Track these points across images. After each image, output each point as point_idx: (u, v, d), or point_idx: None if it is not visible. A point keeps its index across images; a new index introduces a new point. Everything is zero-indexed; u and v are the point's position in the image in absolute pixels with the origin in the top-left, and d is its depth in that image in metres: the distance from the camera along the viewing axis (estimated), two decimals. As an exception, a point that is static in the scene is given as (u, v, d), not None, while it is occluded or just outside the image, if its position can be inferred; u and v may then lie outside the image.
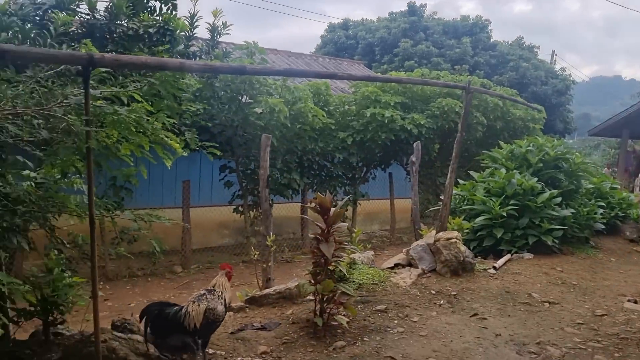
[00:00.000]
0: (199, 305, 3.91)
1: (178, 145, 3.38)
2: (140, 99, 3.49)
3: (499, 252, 6.92)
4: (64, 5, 8.10)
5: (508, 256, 6.57)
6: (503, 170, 7.38)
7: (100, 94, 2.88)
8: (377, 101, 11.51)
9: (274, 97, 9.60)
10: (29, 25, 7.45)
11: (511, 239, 6.86)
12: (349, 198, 11.88)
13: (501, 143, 8.27)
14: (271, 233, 6.09)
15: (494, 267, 5.89)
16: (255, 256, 5.63)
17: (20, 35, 7.26)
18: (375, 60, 25.30)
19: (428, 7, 27.52)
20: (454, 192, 7.64)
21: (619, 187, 9.38)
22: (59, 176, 3.96)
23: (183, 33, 10.53)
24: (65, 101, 2.87)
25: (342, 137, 11.25)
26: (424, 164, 13.89)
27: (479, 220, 6.85)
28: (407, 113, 11.91)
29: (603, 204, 8.44)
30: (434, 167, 13.62)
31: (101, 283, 9.03)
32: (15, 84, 3.85)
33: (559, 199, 7.08)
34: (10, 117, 3.19)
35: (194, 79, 9.33)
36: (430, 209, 8.07)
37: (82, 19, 8.56)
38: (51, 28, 7.49)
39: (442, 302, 4.82)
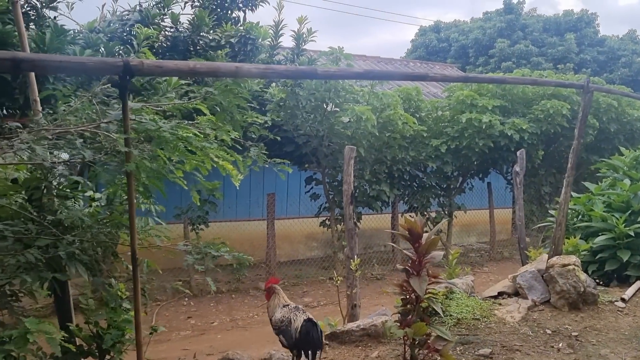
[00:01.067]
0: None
1: (231, 166, 2.87)
2: (206, 112, 3.04)
3: (624, 279, 5.89)
4: (149, 19, 7.99)
5: (638, 284, 5.54)
6: (627, 181, 6.32)
7: (141, 108, 2.42)
8: (473, 105, 10.62)
9: (361, 105, 9.02)
10: (114, 41, 7.42)
11: (637, 264, 5.81)
12: (443, 218, 11.08)
13: (622, 149, 7.17)
14: (356, 255, 5.48)
15: (622, 299, 4.93)
16: (339, 282, 5.04)
17: (104, 51, 7.22)
18: (469, 63, 24.08)
19: (526, 4, 25.89)
20: (570, 207, 6.68)
21: None
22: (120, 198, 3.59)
23: (267, 41, 10.25)
24: (106, 118, 2.43)
25: (435, 145, 10.46)
26: (526, 172, 12.74)
27: (600, 240, 5.86)
28: (507, 117, 10.90)
29: None
30: (537, 176, 12.43)
31: (185, 299, 8.85)
32: (70, 99, 3.52)
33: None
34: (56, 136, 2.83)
35: (277, 88, 8.95)
36: (537, 225, 7.13)
37: (166, 33, 8.45)
38: (135, 43, 7.42)
39: (560, 345, 3.99)
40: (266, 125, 9.43)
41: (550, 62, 21.58)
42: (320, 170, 9.79)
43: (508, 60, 22.13)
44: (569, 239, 5.71)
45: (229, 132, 2.85)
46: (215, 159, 2.69)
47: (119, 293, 3.50)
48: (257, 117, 3.59)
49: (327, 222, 10.26)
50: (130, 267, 3.60)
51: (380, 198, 10.11)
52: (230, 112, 2.68)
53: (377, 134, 8.97)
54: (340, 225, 10.23)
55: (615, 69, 21.58)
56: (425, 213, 11.24)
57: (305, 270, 11.14)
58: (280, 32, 10.35)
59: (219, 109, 2.88)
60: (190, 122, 3.00)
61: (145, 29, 7.00)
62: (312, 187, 10.27)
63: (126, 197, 3.38)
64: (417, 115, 10.95)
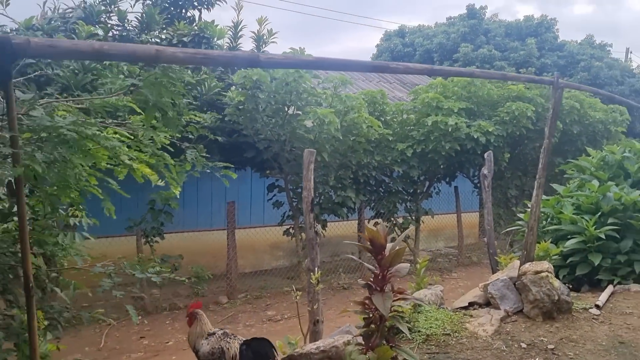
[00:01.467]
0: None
1: (149, 170, 2.49)
2: (136, 108, 2.66)
3: (596, 283, 5.70)
4: (93, 17, 7.54)
5: (610, 288, 5.34)
6: (595, 182, 6.15)
7: (34, 99, 2.02)
8: (438, 108, 10.42)
9: (324, 108, 8.71)
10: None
11: (611, 266, 5.61)
12: (410, 224, 10.85)
13: (589, 149, 7.02)
14: (317, 267, 5.13)
15: (597, 306, 4.70)
16: (298, 298, 4.69)
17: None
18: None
19: (488, 11, 26.06)
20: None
21: None
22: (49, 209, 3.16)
23: (226, 43, 9.89)
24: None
25: (401, 149, 10.21)
26: (493, 176, 12.63)
27: (570, 243, 5.65)
28: (473, 120, 10.74)
29: None
30: (504, 179, 12.32)
31: (139, 317, 8.34)
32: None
33: (670, 216, 5.82)
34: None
35: (236, 91, 8.58)
36: (505, 230, 6.91)
37: (114, 31, 8.01)
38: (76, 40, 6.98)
39: None
40: (205, 124, 9.10)
41: (513, 66, 21.69)
42: (282, 177, 9.45)
43: (472, 65, 22.17)
44: (539, 242, 5.48)
45: (163, 131, 2.47)
46: (128, 162, 2.30)
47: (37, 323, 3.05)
48: (195, 115, 3.22)
49: (290, 230, 9.90)
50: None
51: (346, 204, 9.80)
52: (161, 109, 2.32)
53: (341, 137, 8.66)
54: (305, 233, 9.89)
55: (575, 73, 21.85)
56: (392, 219, 10.99)
57: (270, 280, 10.73)
58: (240, 34, 10.01)
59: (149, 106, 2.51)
60: (121, 121, 2.63)
61: (89, 26, 6.55)
62: (274, 195, 9.91)
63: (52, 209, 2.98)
64: (383, 119, 10.71)
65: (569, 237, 5.86)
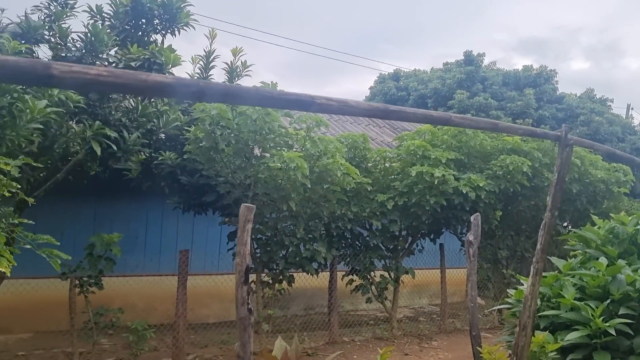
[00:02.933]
0: None
1: None
2: None
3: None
4: (29, 34, 6.59)
5: (620, 401, 4.23)
6: (603, 260, 5.07)
7: None
8: (425, 157, 9.43)
9: (294, 151, 7.70)
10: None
11: (620, 369, 4.50)
12: (389, 283, 9.74)
13: (595, 218, 5.97)
14: (251, 354, 4.00)
15: None
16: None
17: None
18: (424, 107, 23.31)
19: (486, 58, 25.48)
20: (525, 286, 5.37)
21: None
22: None
23: (196, 74, 8.94)
24: None
25: (381, 201, 9.17)
26: (483, 234, 11.57)
27: (572, 336, 4.53)
28: (463, 172, 9.75)
29: None
30: (494, 238, 11.26)
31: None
32: None
33: (694, 307, 4.75)
34: None
35: (196, 127, 7.56)
36: (493, 308, 5.77)
37: (58, 51, 7.04)
38: (3, 59, 6.00)
39: None
40: (186, 168, 8.07)
41: (509, 116, 20.94)
42: (244, 225, 8.33)
43: (467, 112, 21.41)
44: (535, 337, 4.36)
45: None
46: None
47: None
48: None
49: (252, 285, 8.73)
50: None
51: (315, 259, 8.68)
52: None
53: (310, 185, 7.61)
54: (269, 289, 8.76)
55: (574, 127, 21.06)
56: (369, 276, 9.86)
57: (233, 335, 9.54)
58: (212, 64, 9.07)
59: None
60: None
61: (14, 42, 5.56)
62: (235, 244, 8.77)
63: None
64: (364, 166, 9.72)
65: (569, 326, 4.76)
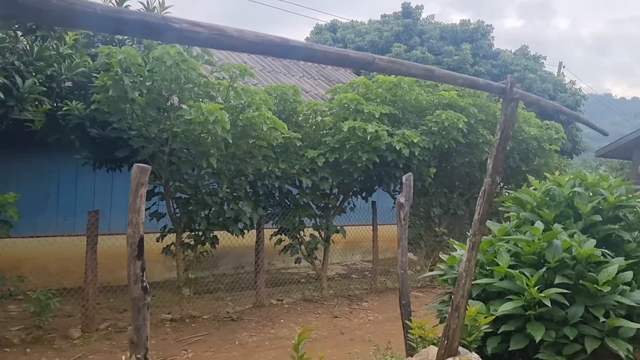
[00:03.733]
0: None
1: None
2: None
3: (535, 362, 4.31)
4: None
5: (553, 376, 3.96)
6: (539, 224, 4.75)
7: None
8: (358, 112, 8.93)
9: (217, 102, 7.00)
10: None
11: (556, 340, 4.23)
12: (319, 242, 9.31)
13: (531, 179, 5.66)
14: (147, 338, 3.43)
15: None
16: None
17: None
18: (359, 72, 22.74)
19: (424, 11, 24.98)
20: (459, 252, 5.03)
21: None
22: None
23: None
24: None
25: (311, 157, 8.63)
26: (416, 192, 11.30)
27: (505, 307, 4.21)
28: (397, 128, 9.32)
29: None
30: (427, 196, 11.03)
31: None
32: None
33: (630, 274, 4.51)
34: None
35: (104, 73, 6.69)
36: (424, 274, 5.36)
37: None
38: None
39: None
40: (97, 119, 7.23)
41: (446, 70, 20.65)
42: (161, 183, 7.63)
43: (404, 66, 20.96)
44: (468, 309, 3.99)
45: None
46: None
47: None
48: None
49: (172, 248, 8.10)
50: None
51: (240, 219, 8.11)
52: None
53: (231, 141, 6.96)
54: (191, 251, 8.15)
55: (508, 83, 21.02)
56: (298, 236, 9.41)
57: (158, 296, 8.94)
58: (126, 3, 8.10)
59: None
60: None
61: None
62: (154, 204, 8.06)
63: None
64: (293, 120, 9.12)
65: (503, 295, 4.45)
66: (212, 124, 6.40)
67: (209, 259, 10.60)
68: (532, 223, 4.95)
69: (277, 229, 9.41)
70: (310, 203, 9.29)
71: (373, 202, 10.62)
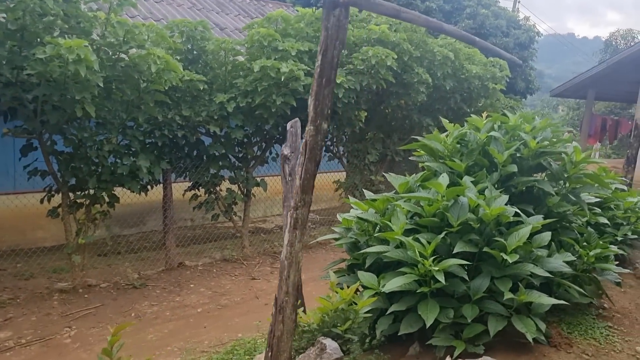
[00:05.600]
0: None
1: None
2: None
3: (428, 350, 3.54)
4: None
5: (447, 366, 3.20)
6: (444, 179, 3.91)
7: None
8: (273, 50, 7.87)
9: (87, 39, 5.87)
10: None
11: (454, 321, 3.46)
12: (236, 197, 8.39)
13: (445, 122, 4.78)
14: None
15: None
16: None
17: None
18: (310, 4, 21.32)
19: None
20: (357, 213, 4.18)
21: (625, 186, 6.09)
22: None
23: None
24: None
25: (220, 102, 7.60)
26: (349, 139, 10.43)
27: (393, 283, 3.40)
28: (320, 67, 8.30)
29: (605, 220, 5.16)
30: (363, 142, 10.17)
31: None
32: None
33: (547, 236, 3.75)
34: None
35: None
36: (318, 239, 4.46)
37: None
38: None
39: None
40: None
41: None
42: (35, 137, 6.55)
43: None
44: (341, 289, 3.17)
45: None
46: None
47: None
48: None
49: (58, 211, 7.09)
50: None
51: (137, 175, 7.11)
52: None
53: (102, 84, 5.87)
54: (85, 212, 7.18)
55: (460, 20, 20.02)
56: (214, 191, 8.48)
57: (36, 265, 8.01)
58: None
59: None
60: None
61: None
62: (35, 160, 6.98)
63: None
64: (202, 61, 8.03)
65: (396, 267, 3.64)
66: (73, 64, 5.30)
67: (119, 220, 9.64)
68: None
69: (191, 184, 8.46)
70: (229, 154, 8.31)
71: (301, 151, 9.68)
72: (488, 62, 11.11)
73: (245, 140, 8.40)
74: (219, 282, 7.78)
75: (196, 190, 8.45)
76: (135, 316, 6.60)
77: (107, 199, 7.22)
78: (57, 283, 7.44)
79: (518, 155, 4.20)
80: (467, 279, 3.38)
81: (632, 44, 29.49)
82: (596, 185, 4.40)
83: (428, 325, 3.26)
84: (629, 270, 4.46)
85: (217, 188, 8.50)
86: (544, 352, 3.45)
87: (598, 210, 5.44)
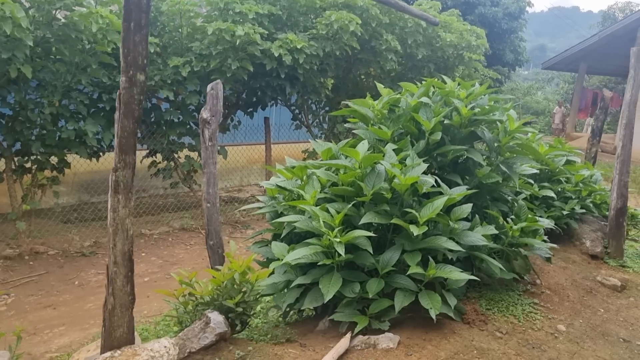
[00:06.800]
0: None
1: None
2: None
3: (334, 326, 3.37)
4: None
5: (345, 343, 3.02)
6: (362, 145, 3.67)
7: None
8: (230, 12, 7.56)
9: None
10: None
11: (359, 298, 3.28)
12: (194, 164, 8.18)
13: (380, 87, 4.54)
14: None
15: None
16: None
17: None
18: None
19: None
20: (277, 181, 3.97)
21: (579, 158, 5.87)
22: None
23: None
24: None
25: (174, 66, 7.33)
26: (323, 104, 10.14)
27: (298, 253, 3.21)
28: (282, 32, 8.02)
29: (551, 193, 4.96)
30: (332, 110, 9.90)
31: None
32: None
33: (468, 208, 3.54)
34: None
35: None
36: (244, 207, 4.26)
37: None
38: None
39: None
40: None
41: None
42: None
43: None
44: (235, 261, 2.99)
45: None
46: None
47: None
48: None
49: (3, 175, 6.88)
50: None
51: (84, 140, 6.88)
52: None
53: (32, 44, 5.59)
54: (28, 177, 6.97)
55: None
56: (171, 158, 8.27)
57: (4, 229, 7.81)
58: None
59: None
60: None
61: None
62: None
63: None
64: (159, 24, 7.72)
65: (305, 238, 3.45)
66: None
67: (88, 186, 9.43)
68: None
69: (148, 151, 8.23)
70: (188, 121, 8.07)
71: (266, 118, 9.47)
72: (465, 31, 10.76)
73: (196, 106, 8.13)
74: (172, 251, 7.62)
75: (154, 157, 8.23)
76: (78, 284, 6.44)
77: (55, 165, 7.01)
78: (5, 250, 7.27)
79: (448, 122, 3.96)
80: (371, 252, 3.18)
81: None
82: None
83: (326, 300, 3.07)
84: (556, 246, 4.25)
85: (176, 155, 8.27)
86: (455, 328, 3.28)
87: (546, 184, 5.27)
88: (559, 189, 5.31)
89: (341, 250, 3.06)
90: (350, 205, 3.35)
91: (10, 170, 6.73)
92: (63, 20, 5.95)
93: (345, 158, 3.79)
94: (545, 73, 41.04)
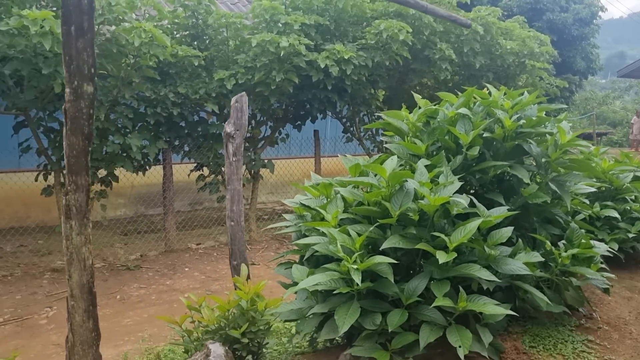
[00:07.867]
0: None
1: None
2: None
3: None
4: None
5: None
6: (390, 161, 3.36)
7: None
8: (275, 23, 7.43)
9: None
10: None
11: (381, 331, 2.95)
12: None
13: (416, 97, 4.18)
14: None
15: None
16: None
17: None
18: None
19: None
20: (300, 199, 3.71)
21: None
22: None
23: None
24: None
25: (219, 79, 7.25)
26: (362, 120, 9.84)
27: (313, 279, 2.93)
28: (330, 43, 7.81)
29: (615, 213, 4.44)
30: (383, 122, 9.56)
31: None
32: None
33: (508, 232, 3.14)
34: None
35: None
36: (271, 225, 3.99)
37: None
38: None
39: None
40: None
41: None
42: (22, 114, 6.44)
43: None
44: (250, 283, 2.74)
45: None
46: None
47: None
48: None
49: (52, 189, 7.00)
50: None
51: (129, 154, 6.90)
52: None
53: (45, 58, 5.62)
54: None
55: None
56: (218, 171, 8.20)
57: (35, 243, 7.99)
58: None
59: None
60: None
61: None
62: (30, 138, 6.89)
63: None
64: (206, 37, 7.69)
65: (324, 262, 3.16)
66: (37, 37, 5.07)
67: (145, 199, 9.54)
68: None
69: (196, 165, 8.21)
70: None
71: (315, 131, 9.26)
72: (527, 37, 10.18)
73: (250, 119, 8.03)
74: (215, 266, 7.51)
75: (201, 171, 8.20)
76: (119, 299, 6.41)
77: (102, 178, 7.08)
78: (54, 262, 7.39)
79: (489, 135, 3.58)
80: (392, 280, 2.85)
81: None
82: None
83: (341, 332, 2.77)
84: (614, 276, 3.75)
85: (223, 169, 8.19)
86: (491, 370, 2.89)
87: (610, 203, 4.75)
88: (625, 209, 4.77)
89: (357, 278, 2.76)
90: (373, 227, 3.04)
91: (59, 184, 6.82)
92: (107, 35, 5.97)
93: (375, 175, 3.49)
94: (623, 81, 38.90)
